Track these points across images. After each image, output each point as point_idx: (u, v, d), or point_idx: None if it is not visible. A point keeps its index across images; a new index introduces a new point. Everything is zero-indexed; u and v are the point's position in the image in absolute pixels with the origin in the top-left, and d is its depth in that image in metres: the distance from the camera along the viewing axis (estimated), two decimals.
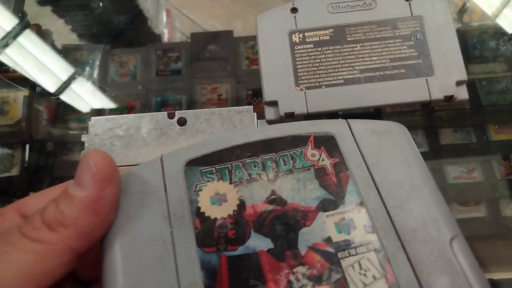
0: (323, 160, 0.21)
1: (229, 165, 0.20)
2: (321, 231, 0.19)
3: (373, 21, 0.35)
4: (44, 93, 0.45)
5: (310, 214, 0.19)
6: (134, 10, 0.51)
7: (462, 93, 0.33)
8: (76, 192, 0.18)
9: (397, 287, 0.18)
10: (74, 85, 0.46)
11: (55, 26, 0.49)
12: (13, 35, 0.47)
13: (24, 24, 0.48)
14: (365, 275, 0.18)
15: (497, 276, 0.35)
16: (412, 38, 0.34)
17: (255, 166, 0.20)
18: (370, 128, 0.21)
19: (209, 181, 0.20)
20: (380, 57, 0.33)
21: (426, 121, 0.45)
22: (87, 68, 0.46)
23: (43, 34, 0.48)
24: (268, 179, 0.20)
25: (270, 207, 0.19)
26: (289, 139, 0.21)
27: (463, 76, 0.33)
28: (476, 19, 0.47)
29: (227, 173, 0.20)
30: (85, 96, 0.45)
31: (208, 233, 0.19)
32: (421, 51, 0.34)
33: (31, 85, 0.45)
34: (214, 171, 0.20)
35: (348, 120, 0.22)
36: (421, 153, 0.22)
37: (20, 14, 0.48)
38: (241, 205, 0.19)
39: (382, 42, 0.34)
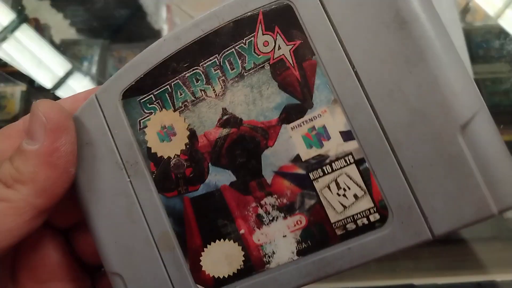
0: (279, 48, 0.16)
1: (168, 86, 0.18)
2: (287, 150, 0.16)
3: None
4: (42, 88, 0.47)
5: (272, 131, 0.16)
6: (134, 5, 0.52)
7: None
8: (28, 146, 0.17)
9: (384, 204, 0.15)
10: (71, 81, 0.47)
11: (53, 20, 0.51)
12: (11, 29, 0.49)
13: (22, 18, 0.49)
14: (344, 195, 0.16)
15: (499, 278, 0.35)
16: None
17: (197, 80, 0.18)
18: None
19: (151, 112, 0.18)
20: None
21: None
22: (86, 63, 0.48)
23: (41, 29, 0.50)
24: (215, 95, 0.17)
25: (225, 131, 0.17)
26: (231, 28, 0.17)
27: None
28: (479, 19, 0.48)
29: (168, 97, 0.18)
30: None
31: (165, 176, 0.18)
32: None
33: (29, 80, 0.47)
34: (154, 99, 0.18)
35: None
36: None
37: (19, 7, 0.50)
38: (192, 135, 0.18)
39: None
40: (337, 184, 0.16)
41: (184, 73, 0.17)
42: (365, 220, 0.15)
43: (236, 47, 0.17)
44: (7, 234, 0.17)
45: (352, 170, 0.15)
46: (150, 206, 0.18)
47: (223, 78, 0.17)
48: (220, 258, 0.17)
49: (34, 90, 0.47)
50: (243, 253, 0.17)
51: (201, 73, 0.17)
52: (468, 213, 0.14)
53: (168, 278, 0.18)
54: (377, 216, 0.15)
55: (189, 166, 0.18)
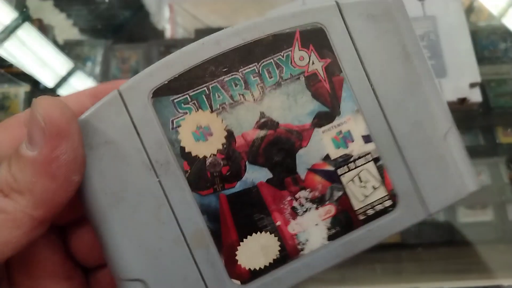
0: (313, 63, 0.20)
1: (205, 88, 0.19)
2: (318, 150, 0.19)
3: None
4: (46, 89, 0.47)
5: (305, 133, 0.19)
6: (136, 5, 0.53)
7: (475, 96, 0.35)
8: (27, 151, 0.16)
9: (395, 192, 0.19)
10: (74, 81, 0.48)
11: (56, 21, 0.51)
12: (13, 29, 0.49)
13: (25, 18, 0.50)
14: (365, 187, 0.19)
15: (505, 282, 0.36)
16: (425, 38, 0.36)
17: (236, 85, 0.19)
18: (366, 10, 0.20)
19: (186, 112, 0.19)
20: None
21: None
22: (89, 64, 0.49)
23: (45, 29, 0.50)
24: (254, 99, 0.19)
25: (262, 133, 0.19)
26: (270, 41, 0.19)
27: (477, 78, 0.35)
28: (483, 19, 0.48)
29: (205, 99, 0.19)
30: None
31: (200, 175, 0.19)
32: (434, 52, 0.35)
33: (33, 81, 0.47)
34: (189, 99, 0.19)
35: (339, 2, 0.20)
36: None
37: (24, 9, 0.50)
38: (230, 136, 0.19)
39: None
40: (360, 178, 0.19)
41: (223, 77, 0.19)
42: (380, 206, 0.20)
43: (275, 59, 0.19)
44: (5, 247, 0.16)
45: (371, 166, 0.20)
46: (182, 205, 0.18)
47: (262, 85, 0.19)
48: (256, 250, 0.19)
49: (38, 91, 0.46)
50: (279, 243, 0.19)
51: (240, 78, 0.19)
52: (451, 195, 0.20)
53: (200, 276, 0.18)
54: (389, 202, 0.20)
55: (225, 164, 0.19)
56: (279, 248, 0.19)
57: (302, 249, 0.19)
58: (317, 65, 0.19)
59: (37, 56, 0.47)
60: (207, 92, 0.19)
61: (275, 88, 0.19)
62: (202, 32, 0.51)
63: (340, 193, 0.19)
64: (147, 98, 0.18)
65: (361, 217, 0.19)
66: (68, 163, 0.16)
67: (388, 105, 0.20)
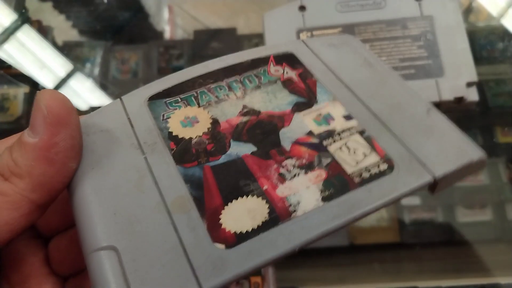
0: (287, 73, 0.23)
1: (194, 92, 0.22)
2: (301, 128, 0.20)
3: (383, 21, 0.38)
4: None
5: (286, 117, 0.21)
6: (136, 6, 0.55)
7: (472, 95, 0.35)
8: (29, 138, 0.18)
9: (389, 157, 0.19)
10: (73, 82, 0.48)
11: (55, 22, 0.52)
12: (13, 30, 0.50)
13: (25, 19, 0.51)
14: (355, 153, 0.19)
15: (502, 280, 0.36)
16: (422, 38, 0.37)
17: (221, 89, 0.22)
18: (326, 42, 0.24)
19: (176, 109, 0.21)
20: (390, 57, 0.37)
21: None
22: (89, 65, 0.49)
23: (44, 30, 0.51)
24: (237, 97, 0.22)
25: (245, 118, 0.21)
26: (249, 63, 0.23)
27: (473, 77, 0.35)
28: (482, 19, 0.49)
29: (193, 99, 0.22)
30: (85, 93, 0.48)
31: (185, 151, 0.20)
32: (431, 51, 0.36)
33: (33, 82, 0.48)
34: (180, 100, 0.22)
35: (303, 39, 0.25)
36: None
37: (23, 10, 0.52)
38: (215, 122, 0.21)
39: (392, 41, 0.38)
40: (347, 147, 0.19)
41: (209, 85, 0.22)
42: (376, 169, 0.18)
43: (254, 72, 0.23)
44: (4, 228, 0.17)
45: (357, 137, 0.20)
46: (165, 176, 0.18)
47: (243, 88, 0.22)
48: (243, 213, 0.17)
49: (37, 92, 0.46)
50: (267, 205, 0.17)
51: (225, 85, 0.22)
52: (452, 158, 0.19)
53: (179, 241, 0.17)
54: (385, 165, 0.19)
55: (210, 143, 0.20)
56: (268, 210, 0.17)
57: (294, 211, 0.17)
58: (291, 74, 0.23)
59: (37, 58, 0.47)
60: (196, 95, 0.22)
61: (255, 89, 0.22)
62: (202, 33, 0.51)
63: (329, 160, 0.19)
64: (143, 101, 0.21)
65: (357, 180, 0.18)
66: (66, 150, 0.18)
67: (363, 95, 0.21)
